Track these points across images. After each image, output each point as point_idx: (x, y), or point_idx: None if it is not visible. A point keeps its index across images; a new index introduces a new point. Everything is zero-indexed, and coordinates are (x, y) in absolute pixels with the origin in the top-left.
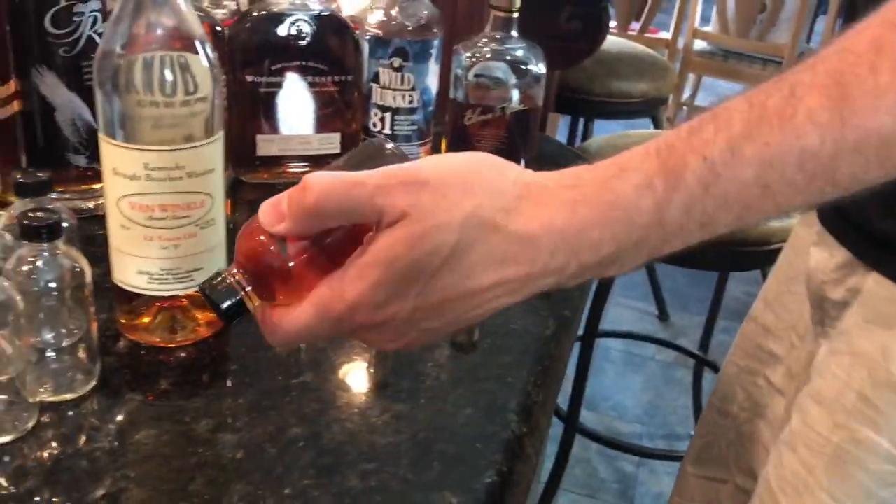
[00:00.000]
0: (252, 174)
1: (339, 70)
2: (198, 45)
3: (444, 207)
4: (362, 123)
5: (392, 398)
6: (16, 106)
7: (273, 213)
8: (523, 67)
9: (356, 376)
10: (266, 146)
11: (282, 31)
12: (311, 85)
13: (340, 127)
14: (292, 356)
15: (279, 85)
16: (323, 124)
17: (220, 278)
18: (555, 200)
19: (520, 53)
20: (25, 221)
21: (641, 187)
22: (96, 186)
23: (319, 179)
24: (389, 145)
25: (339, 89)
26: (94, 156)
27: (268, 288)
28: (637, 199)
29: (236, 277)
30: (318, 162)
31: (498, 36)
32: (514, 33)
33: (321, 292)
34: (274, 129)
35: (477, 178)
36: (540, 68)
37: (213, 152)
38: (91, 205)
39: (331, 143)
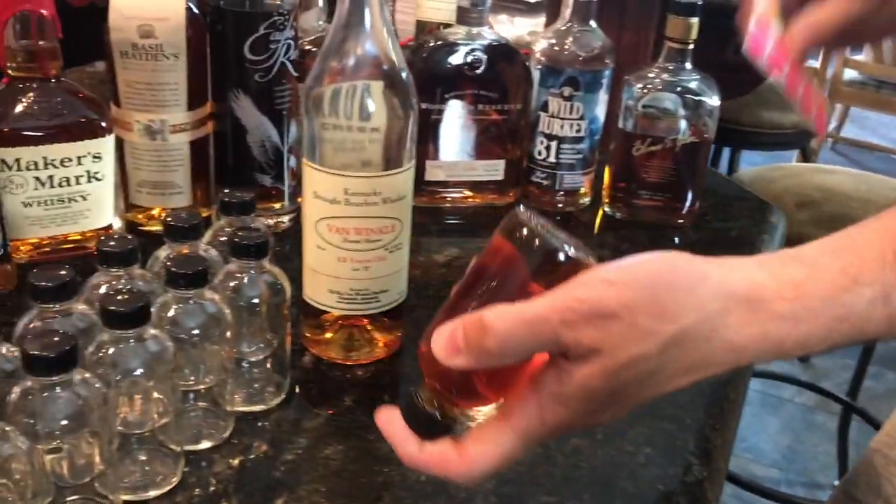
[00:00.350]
0: (417, 198)
1: (508, 98)
2: (398, 76)
3: (638, 338)
4: (527, 151)
5: None
6: (210, 127)
7: (449, 348)
8: (695, 99)
9: None
10: (434, 172)
11: (456, 60)
12: (480, 112)
13: (505, 154)
14: None
15: (448, 112)
16: (488, 151)
17: (417, 407)
18: (772, 314)
19: (693, 85)
20: (236, 239)
21: (877, 301)
22: (276, 206)
23: (499, 321)
24: (555, 242)
25: (507, 117)
26: (279, 176)
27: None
28: (870, 313)
29: (428, 400)
30: (480, 189)
31: (671, 67)
32: (688, 65)
33: (521, 423)
34: (439, 155)
35: (670, 297)
36: (713, 100)
37: (407, 180)
38: (272, 222)
39: (495, 169)
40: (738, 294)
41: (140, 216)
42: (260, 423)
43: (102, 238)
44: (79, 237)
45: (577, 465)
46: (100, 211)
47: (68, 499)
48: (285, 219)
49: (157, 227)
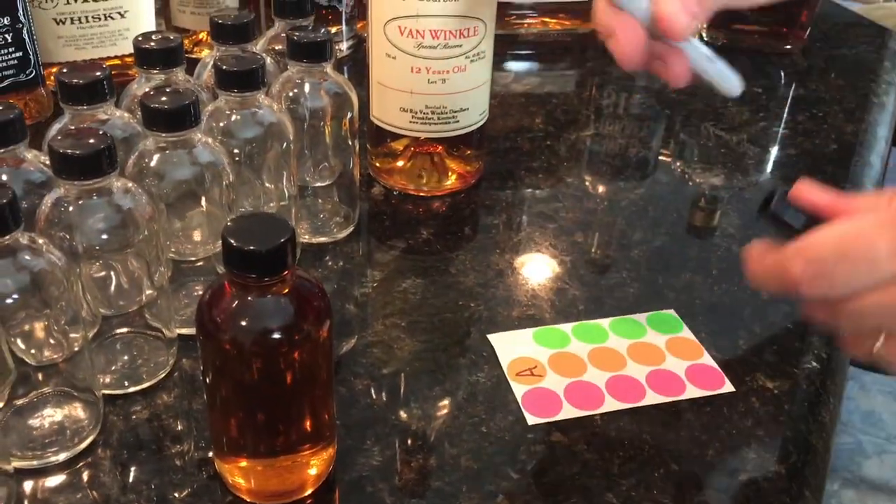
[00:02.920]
0: None
1: None
2: None
3: None
4: None
5: None
6: None
7: None
8: None
9: None
10: None
11: None
12: None
13: None
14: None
15: None
16: None
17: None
18: None
19: None
20: (294, 38)
21: None
22: (333, 30)
23: None
24: None
25: None
26: None
27: None
28: None
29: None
30: (560, 13)
31: None
32: None
33: None
34: None
35: None
36: None
37: None
38: None
39: None
40: None
41: (185, 41)
42: (327, 257)
43: (140, 37)
44: (118, 62)
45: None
46: (139, 30)
47: (117, 331)
48: (343, 46)
49: (205, 54)
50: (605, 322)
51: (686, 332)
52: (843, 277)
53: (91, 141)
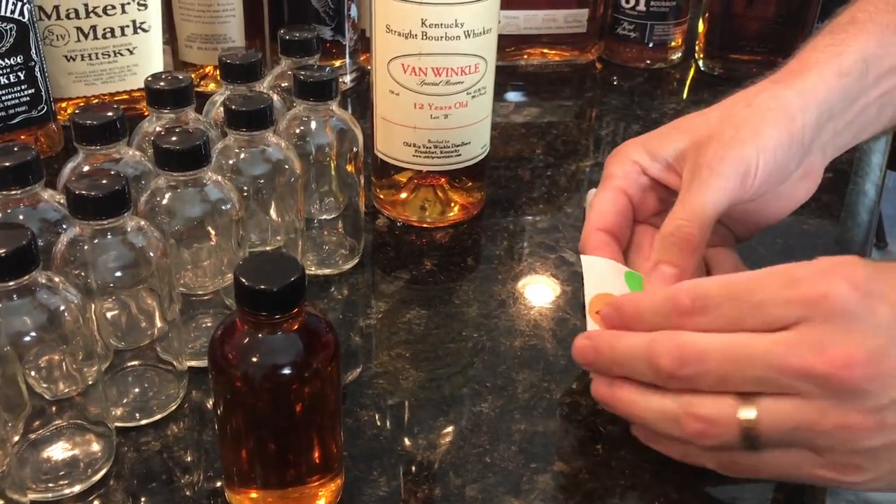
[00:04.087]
0: None
1: None
2: None
3: None
4: (613, 0)
5: None
6: None
7: None
8: None
9: None
10: (510, 24)
11: None
12: None
13: (588, 3)
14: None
15: None
16: (567, 1)
17: None
18: None
19: None
20: (301, 77)
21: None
22: (336, 63)
23: None
24: None
25: None
26: (339, 28)
27: None
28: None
29: None
30: (559, 44)
31: None
32: None
33: None
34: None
35: None
36: None
37: (492, 9)
38: None
39: (578, 20)
40: None
41: (192, 76)
42: (333, 288)
43: (151, 77)
44: (126, 97)
45: None
46: (148, 66)
47: (128, 364)
48: (347, 79)
49: (212, 88)
50: None
51: None
52: (728, 314)
53: (105, 182)
